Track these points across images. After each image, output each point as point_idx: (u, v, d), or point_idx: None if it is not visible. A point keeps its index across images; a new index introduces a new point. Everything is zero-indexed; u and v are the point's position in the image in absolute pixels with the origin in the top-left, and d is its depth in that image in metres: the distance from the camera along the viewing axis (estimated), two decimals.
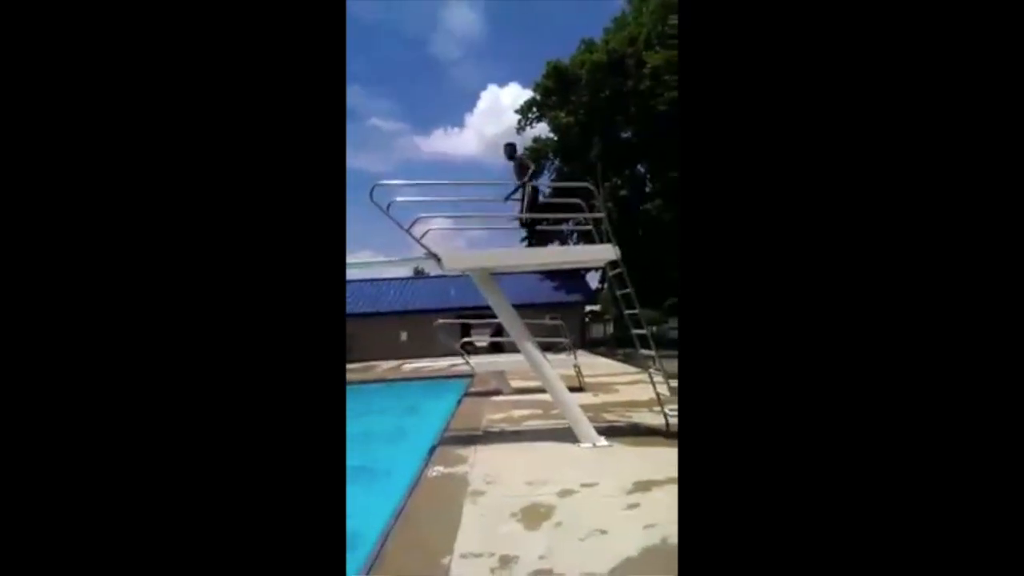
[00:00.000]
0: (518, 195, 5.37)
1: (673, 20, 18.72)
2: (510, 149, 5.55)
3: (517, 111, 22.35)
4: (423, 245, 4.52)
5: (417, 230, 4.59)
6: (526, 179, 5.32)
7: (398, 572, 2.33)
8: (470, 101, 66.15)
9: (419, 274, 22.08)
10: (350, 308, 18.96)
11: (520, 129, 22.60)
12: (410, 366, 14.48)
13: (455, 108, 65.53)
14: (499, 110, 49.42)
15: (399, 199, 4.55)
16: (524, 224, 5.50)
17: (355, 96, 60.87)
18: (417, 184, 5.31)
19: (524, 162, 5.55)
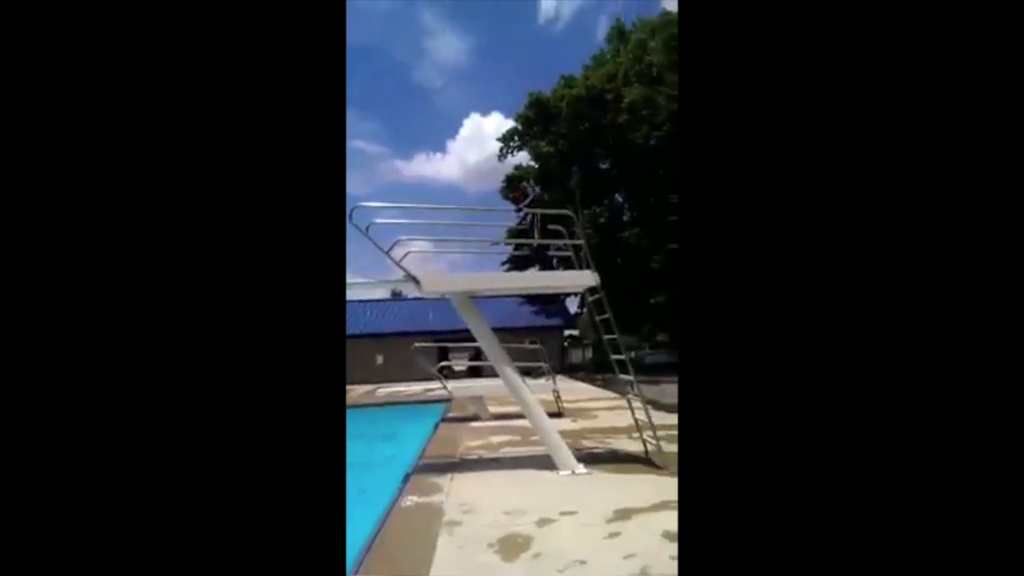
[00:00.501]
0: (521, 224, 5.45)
1: (649, 59, 19.74)
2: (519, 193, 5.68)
3: (499, 139, 22.86)
4: (402, 267, 4.49)
5: (396, 252, 4.56)
6: (524, 205, 5.40)
7: None
8: (453, 128, 67.41)
9: (396, 296, 21.83)
10: None
11: (502, 157, 23.08)
12: (385, 390, 14.11)
13: (438, 134, 66.59)
14: (481, 138, 50.48)
15: (379, 221, 4.54)
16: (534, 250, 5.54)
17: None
18: (398, 207, 5.32)
19: (526, 192, 5.67)
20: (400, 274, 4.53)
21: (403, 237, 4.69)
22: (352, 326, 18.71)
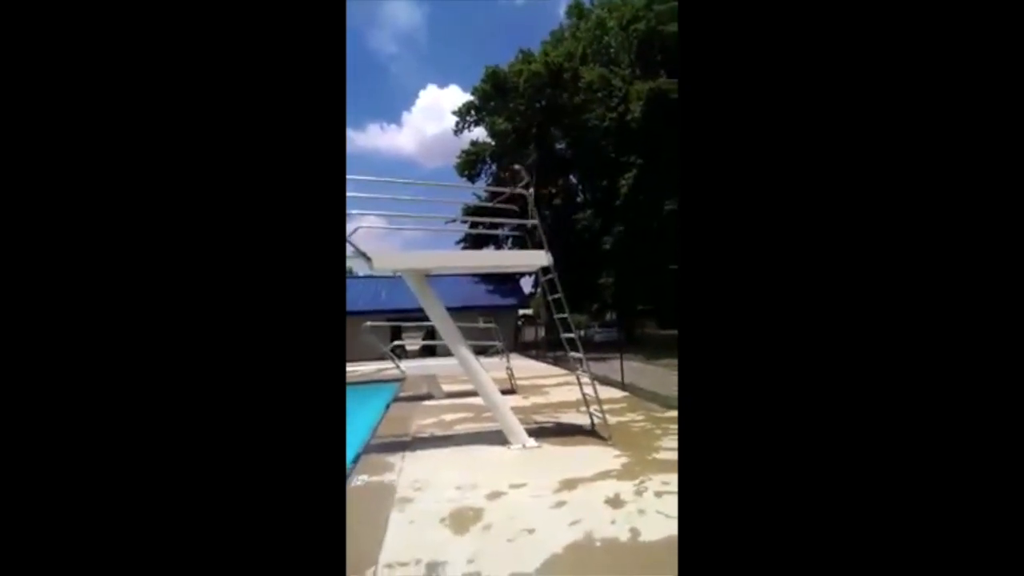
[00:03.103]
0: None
1: (607, 39, 19.74)
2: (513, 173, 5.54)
3: (455, 113, 22.25)
4: (352, 243, 4.33)
5: (347, 227, 4.39)
6: (515, 189, 5.28)
7: None
8: (408, 100, 64.57)
9: (347, 274, 21.07)
10: None
11: (458, 131, 22.51)
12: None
13: (392, 105, 63.63)
14: (439, 111, 48.90)
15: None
16: (531, 231, 5.39)
17: None
18: (350, 180, 5.08)
19: (520, 174, 5.55)
20: (347, 250, 4.37)
21: (354, 211, 4.51)
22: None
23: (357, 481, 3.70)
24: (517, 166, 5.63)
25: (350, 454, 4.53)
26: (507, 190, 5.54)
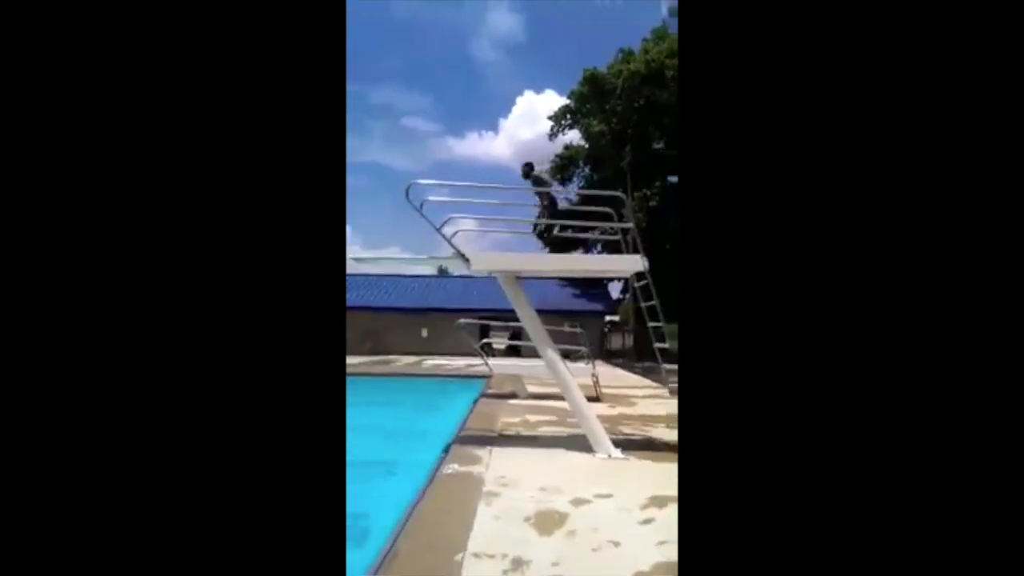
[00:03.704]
0: (536, 208, 5.40)
1: None
2: (527, 168, 5.60)
3: (550, 117, 22.41)
4: (452, 244, 4.60)
5: (447, 230, 4.67)
6: (540, 189, 5.33)
7: (411, 563, 2.37)
8: (506, 106, 66.63)
9: (443, 273, 22.34)
10: (376, 302, 19.33)
11: (552, 136, 22.65)
12: (430, 362, 14.63)
13: (490, 112, 66.15)
14: (534, 116, 49.58)
15: (431, 199, 4.64)
16: (543, 233, 5.48)
17: (392, 93, 62.22)
18: (450, 185, 5.41)
19: (541, 177, 5.59)
20: (447, 251, 4.64)
21: (453, 215, 4.79)
22: (400, 299, 19.43)
23: (448, 469, 3.91)
24: (537, 171, 5.49)
25: (443, 442, 4.81)
26: (602, 192, 5.45)
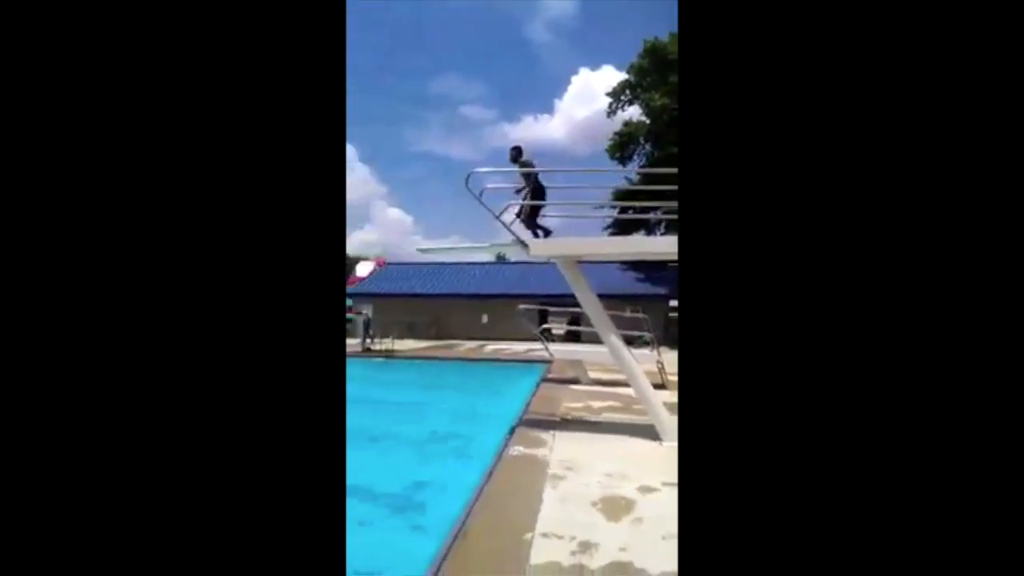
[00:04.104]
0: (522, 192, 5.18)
1: None
2: (515, 152, 5.37)
3: (608, 94, 21.57)
4: (512, 231, 4.62)
5: (505, 217, 4.70)
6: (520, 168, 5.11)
7: (482, 541, 2.47)
8: (561, 86, 65.15)
9: (501, 260, 22.61)
10: (438, 289, 20.05)
11: (611, 113, 21.82)
12: (491, 347, 14.98)
13: (545, 94, 65.00)
14: (590, 95, 47.98)
15: (490, 186, 4.69)
16: (523, 216, 5.23)
17: (449, 83, 63.07)
18: (506, 171, 5.42)
19: (529, 162, 5.34)
20: (506, 237, 4.68)
21: (511, 202, 4.80)
22: (460, 286, 20.00)
23: (513, 451, 4.01)
24: (525, 158, 5.14)
25: (506, 425, 4.94)
26: (664, 170, 5.18)
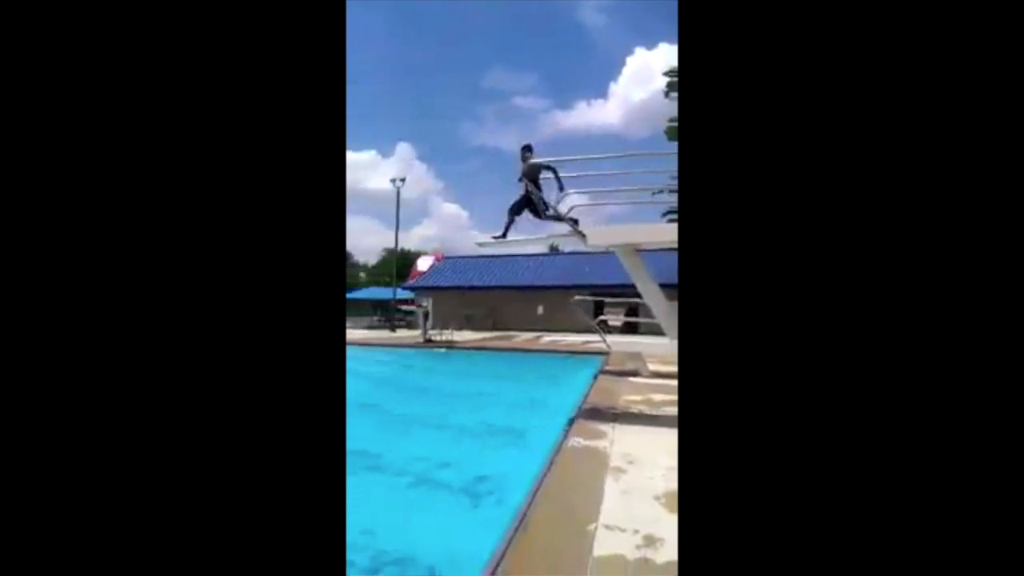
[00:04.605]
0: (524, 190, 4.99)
1: None
2: (525, 150, 5.15)
3: (666, 73, 20.55)
4: (568, 222, 4.57)
5: (561, 207, 4.65)
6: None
7: (544, 532, 2.50)
8: (615, 69, 63.03)
9: (554, 251, 22.46)
10: (494, 281, 20.35)
11: (669, 92, 20.78)
12: (547, 339, 15.00)
13: (598, 78, 63.25)
14: (647, 75, 45.99)
15: (545, 176, 4.66)
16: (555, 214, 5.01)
17: (501, 76, 63.14)
18: (560, 160, 5.34)
19: (541, 164, 5.11)
20: (557, 228, 4.64)
21: (569, 191, 4.74)
22: (515, 278, 20.15)
23: (573, 442, 4.00)
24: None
25: (565, 416, 4.93)
26: None
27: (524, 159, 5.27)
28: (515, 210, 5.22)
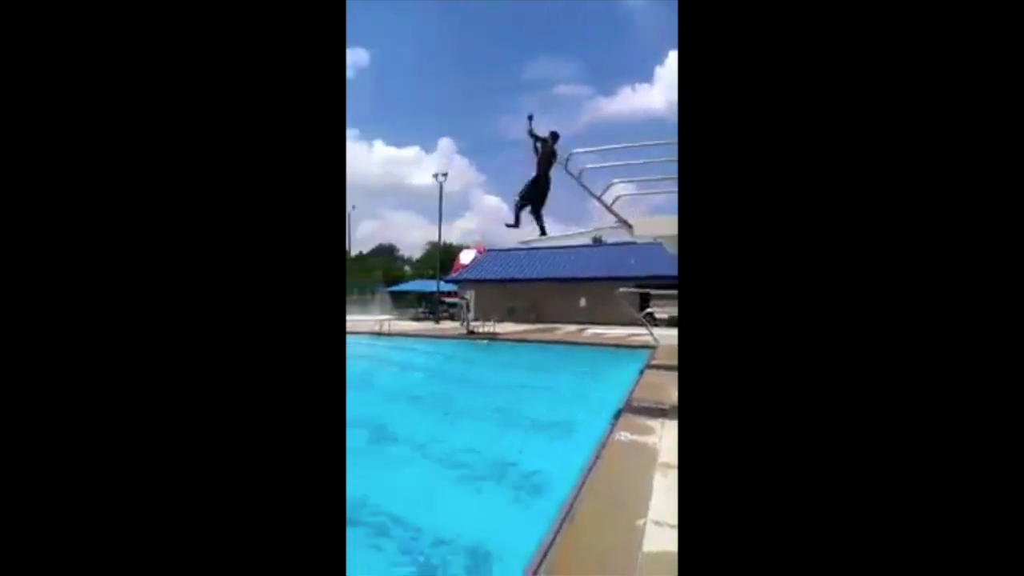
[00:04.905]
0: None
1: None
2: (554, 137, 4.95)
3: None
4: (614, 212, 4.46)
5: (606, 197, 4.53)
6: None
7: (592, 525, 2.47)
8: (661, 52, 60.60)
9: (597, 242, 22.07)
10: (535, 274, 20.32)
11: None
12: (591, 331, 14.82)
13: (644, 62, 61.10)
14: None
15: (589, 166, 4.55)
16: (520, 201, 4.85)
17: (543, 66, 62.51)
18: (608, 149, 5.20)
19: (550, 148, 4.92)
20: (604, 219, 4.52)
21: (615, 180, 4.62)
22: (558, 270, 20.01)
23: (620, 436, 3.93)
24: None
25: (611, 410, 4.85)
26: None
27: (549, 149, 5.15)
28: (537, 199, 5.14)
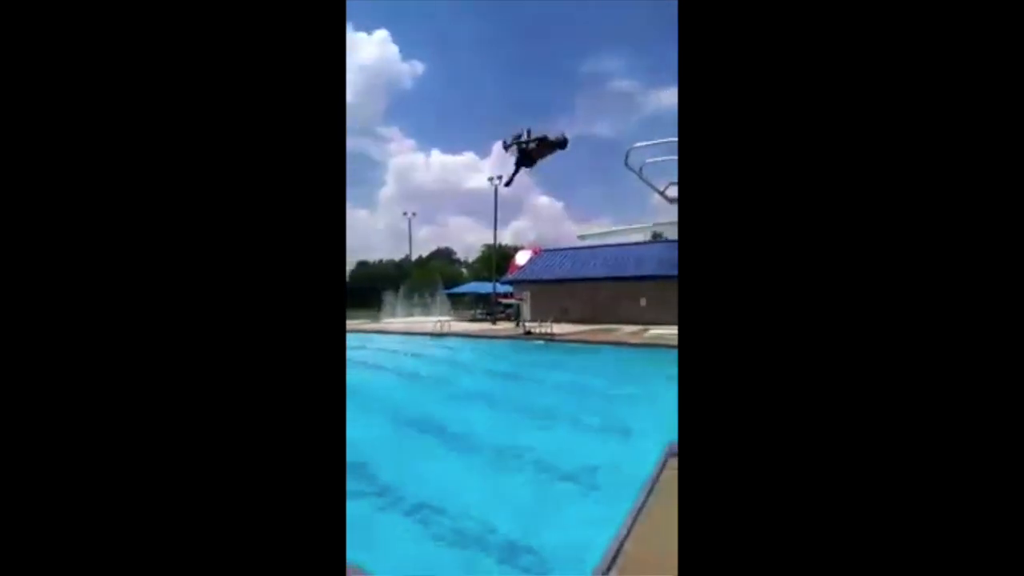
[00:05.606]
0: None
1: None
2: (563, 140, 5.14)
3: None
4: (667, 199, 4.31)
5: (668, 192, 4.39)
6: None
7: (664, 523, 2.42)
8: None
9: (657, 238, 21.30)
10: (593, 273, 20.02)
11: None
12: (653, 332, 14.35)
13: None
14: None
15: (649, 160, 4.44)
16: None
17: (598, 62, 61.62)
18: (665, 142, 5.03)
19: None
20: (662, 216, 4.38)
21: (672, 175, 4.47)
22: (615, 268, 19.58)
23: None
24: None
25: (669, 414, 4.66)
26: None
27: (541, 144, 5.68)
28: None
